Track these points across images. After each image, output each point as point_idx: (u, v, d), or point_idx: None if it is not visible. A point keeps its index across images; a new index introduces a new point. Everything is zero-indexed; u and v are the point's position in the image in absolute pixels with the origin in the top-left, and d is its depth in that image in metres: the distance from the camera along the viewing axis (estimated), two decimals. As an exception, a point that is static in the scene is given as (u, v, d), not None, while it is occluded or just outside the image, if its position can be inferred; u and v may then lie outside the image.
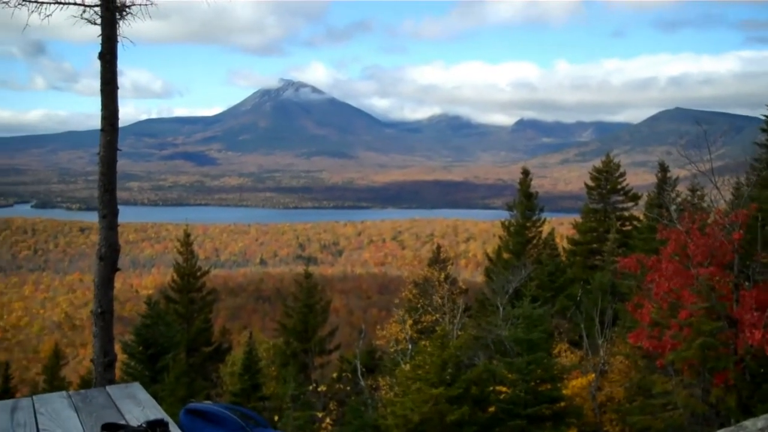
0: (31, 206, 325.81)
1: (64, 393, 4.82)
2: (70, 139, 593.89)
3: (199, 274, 31.89)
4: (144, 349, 23.69)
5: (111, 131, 9.21)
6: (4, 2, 8.77)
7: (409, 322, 25.76)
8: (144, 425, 3.71)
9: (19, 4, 8.79)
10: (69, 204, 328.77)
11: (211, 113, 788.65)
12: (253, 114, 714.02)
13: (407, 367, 18.86)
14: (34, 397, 4.69)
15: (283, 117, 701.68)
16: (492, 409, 16.62)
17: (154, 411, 4.36)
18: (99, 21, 9.09)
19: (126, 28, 9.20)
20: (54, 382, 33.40)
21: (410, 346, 23.60)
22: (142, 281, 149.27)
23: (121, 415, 4.28)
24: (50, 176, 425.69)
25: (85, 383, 29.00)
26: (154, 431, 3.67)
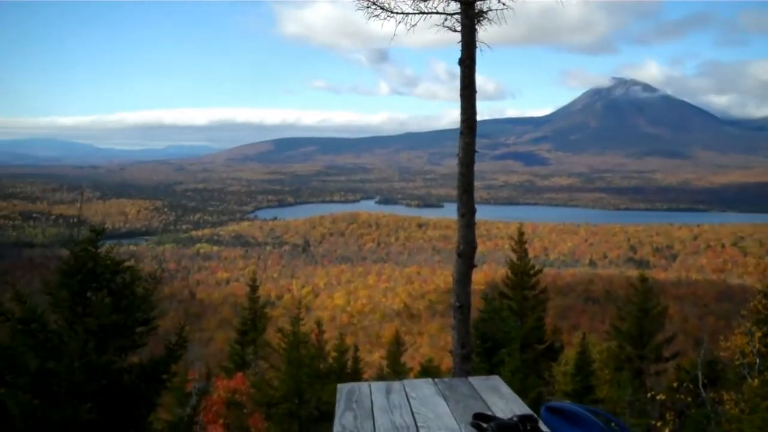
0: (375, 202, 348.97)
1: (430, 380, 5.09)
2: (410, 140, 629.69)
3: (532, 272, 32.00)
4: (481, 342, 24.33)
5: (469, 134, 9.54)
6: (374, 15, 9.54)
7: (758, 334, 23.57)
8: (515, 419, 3.79)
9: (387, 17, 9.51)
10: (408, 201, 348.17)
11: (542, 113, 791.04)
12: (584, 113, 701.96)
13: (755, 382, 17.35)
14: (405, 382, 5.01)
15: (614, 116, 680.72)
16: None
17: (518, 405, 4.44)
18: (459, 28, 9.51)
19: (482, 33, 9.51)
20: (395, 368, 35.43)
21: (758, 360, 21.68)
22: (475, 277, 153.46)
23: (486, 406, 4.41)
24: (392, 174, 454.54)
25: (425, 371, 30.49)
26: (525, 426, 3.73)
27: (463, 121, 9.54)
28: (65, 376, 7.11)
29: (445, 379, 5.13)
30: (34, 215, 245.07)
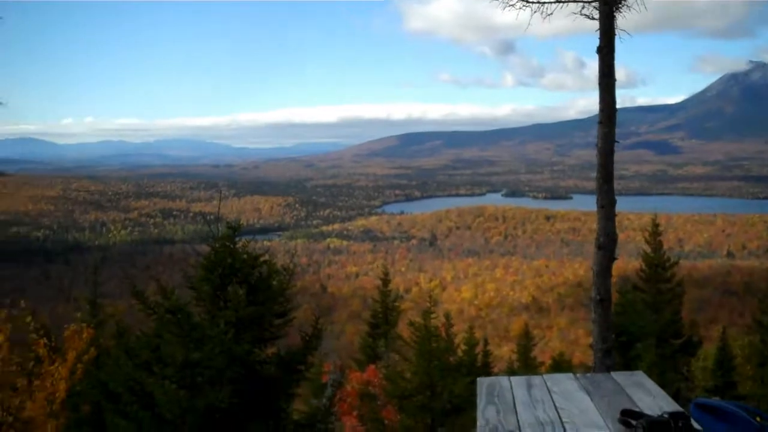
0: (502, 195, 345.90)
1: (571, 375, 4.98)
2: (536, 131, 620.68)
3: (667, 264, 30.89)
4: (616, 336, 23.75)
5: (608, 123, 9.29)
6: (509, 5, 9.41)
7: None
8: (666, 416, 3.65)
9: (522, 6, 9.38)
10: (535, 193, 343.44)
11: (674, 101, 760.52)
12: (719, 100, 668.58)
13: None
14: (545, 376, 4.93)
15: (752, 101, 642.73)
16: None
17: (666, 402, 4.27)
18: (596, 15, 9.28)
19: (621, 20, 9.22)
20: (526, 362, 35.03)
21: None
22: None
23: (632, 402, 4.27)
24: (518, 167, 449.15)
25: (556, 365, 30.01)
26: (676, 423, 3.59)
27: (601, 110, 9.30)
28: (207, 365, 7.39)
29: (587, 374, 5.02)
30: (174, 213, 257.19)
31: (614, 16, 9.16)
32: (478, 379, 4.85)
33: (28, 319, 15.60)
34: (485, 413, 4.15)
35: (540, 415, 4.07)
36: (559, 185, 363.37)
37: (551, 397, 4.40)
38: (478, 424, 4.00)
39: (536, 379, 4.83)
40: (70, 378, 14.32)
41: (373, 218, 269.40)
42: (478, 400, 4.39)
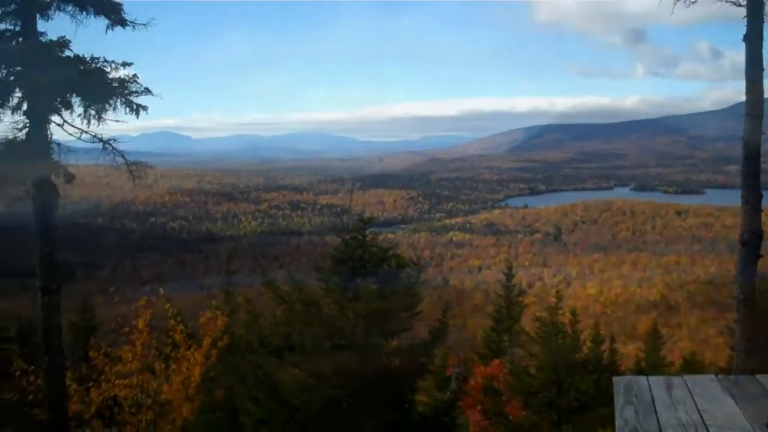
0: (630, 189, 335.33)
1: (712, 376, 4.80)
2: (667, 123, 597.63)
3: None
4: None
5: (756, 115, 8.90)
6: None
7: None
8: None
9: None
10: (666, 187, 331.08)
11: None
12: None
13: None
14: (685, 377, 4.76)
15: None
16: None
17: (820, 409, 4.04)
18: (743, 2, 8.89)
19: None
20: (654, 361, 33.93)
21: None
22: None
23: (781, 407, 4.06)
24: (647, 160, 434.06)
25: (687, 365, 28.94)
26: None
27: (748, 101, 8.92)
28: (336, 356, 7.51)
29: (730, 377, 4.82)
30: (302, 205, 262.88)
31: (763, 2, 8.72)
32: (614, 378, 4.73)
33: (167, 305, 16.36)
34: (623, 413, 4.03)
35: (682, 417, 3.93)
36: (691, 179, 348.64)
37: (693, 398, 4.24)
38: (617, 424, 3.89)
39: (676, 380, 4.67)
40: (205, 363, 14.94)
41: (497, 212, 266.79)
42: (615, 400, 4.28)
